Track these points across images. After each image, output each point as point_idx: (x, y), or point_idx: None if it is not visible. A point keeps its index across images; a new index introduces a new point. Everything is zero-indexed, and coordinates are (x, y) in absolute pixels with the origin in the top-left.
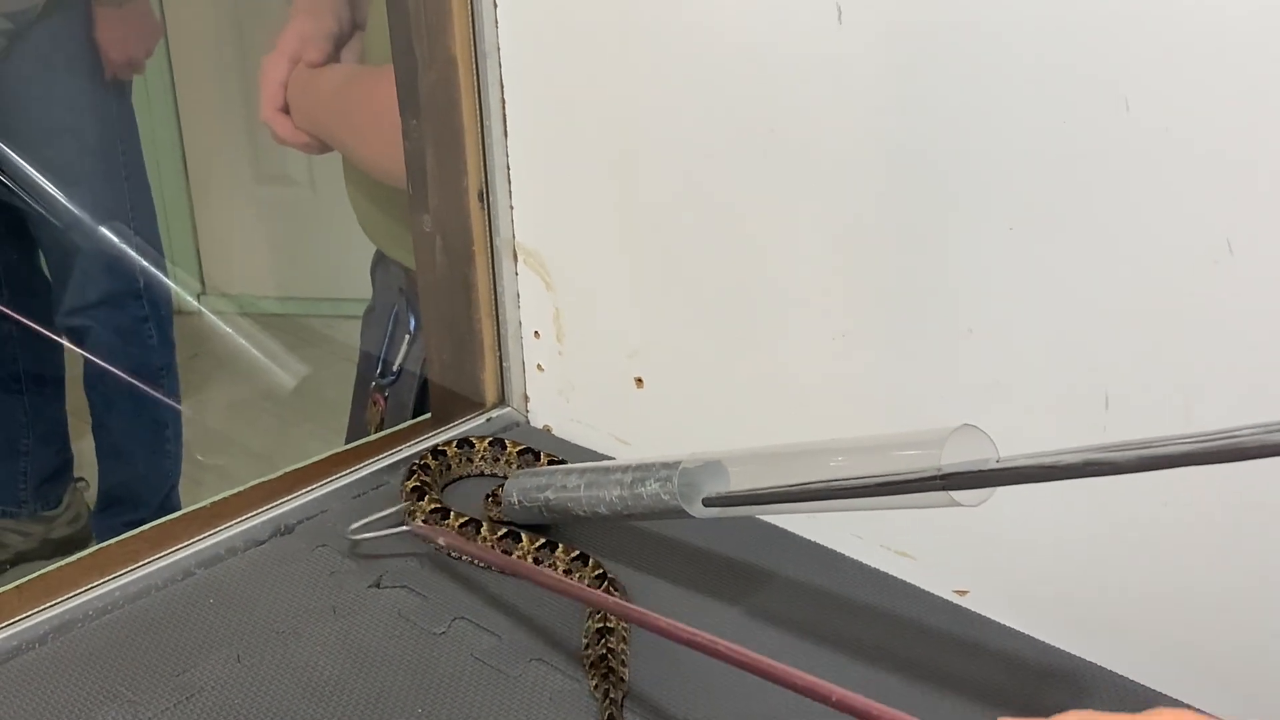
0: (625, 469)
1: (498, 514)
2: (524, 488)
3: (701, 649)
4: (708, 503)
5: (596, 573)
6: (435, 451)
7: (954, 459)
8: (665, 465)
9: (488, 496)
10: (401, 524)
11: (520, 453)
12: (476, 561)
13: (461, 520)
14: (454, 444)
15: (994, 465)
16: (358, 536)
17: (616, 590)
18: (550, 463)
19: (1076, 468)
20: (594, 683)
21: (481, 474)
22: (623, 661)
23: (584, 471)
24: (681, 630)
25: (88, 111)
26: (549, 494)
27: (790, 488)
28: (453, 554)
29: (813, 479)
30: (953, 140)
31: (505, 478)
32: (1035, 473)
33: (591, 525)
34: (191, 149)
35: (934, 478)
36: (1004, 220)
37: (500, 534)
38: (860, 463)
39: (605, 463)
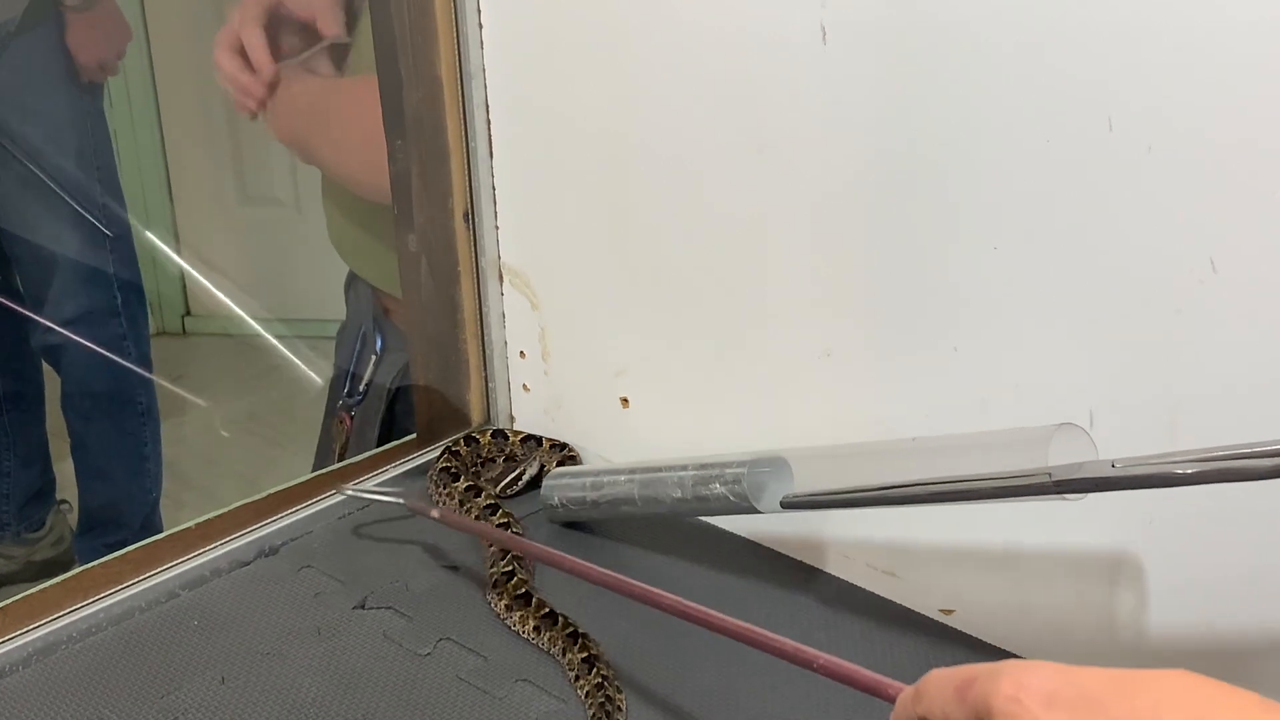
0: (683, 467)
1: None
2: (564, 488)
3: (687, 617)
4: (786, 504)
5: (568, 630)
6: (450, 451)
7: (1057, 460)
8: (729, 465)
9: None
10: (398, 495)
11: (522, 440)
12: None
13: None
14: (461, 441)
15: (1111, 472)
16: (350, 492)
17: (592, 642)
18: (552, 447)
19: (1193, 476)
20: (591, 713)
21: (492, 459)
22: (618, 689)
23: (632, 471)
24: (666, 599)
25: (65, 124)
26: (597, 495)
27: (888, 489)
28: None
29: (912, 480)
30: (938, 161)
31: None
32: (1154, 480)
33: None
34: (175, 170)
35: (1046, 483)
36: (989, 240)
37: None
38: (958, 464)
39: (652, 462)
